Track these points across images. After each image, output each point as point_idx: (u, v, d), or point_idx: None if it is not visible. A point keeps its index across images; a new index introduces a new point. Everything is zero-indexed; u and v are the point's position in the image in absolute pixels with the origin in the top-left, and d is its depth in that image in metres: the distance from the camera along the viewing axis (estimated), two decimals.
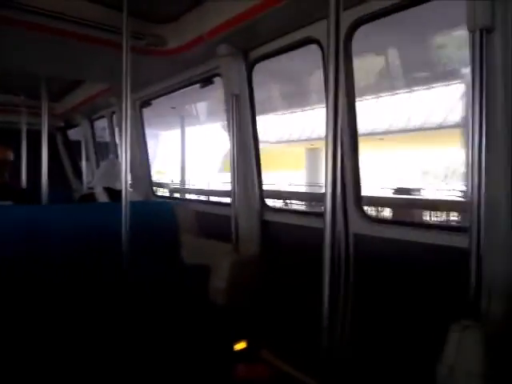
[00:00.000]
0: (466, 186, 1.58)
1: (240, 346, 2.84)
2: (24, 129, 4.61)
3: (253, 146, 2.87)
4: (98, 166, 5.35)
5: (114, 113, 4.73)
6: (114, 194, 3.47)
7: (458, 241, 1.79)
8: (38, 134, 3.89)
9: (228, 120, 2.82)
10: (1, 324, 2.03)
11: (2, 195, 3.04)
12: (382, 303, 2.23)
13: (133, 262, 2.82)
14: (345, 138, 2.28)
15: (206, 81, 3.20)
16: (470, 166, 1.52)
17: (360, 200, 2.34)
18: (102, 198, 3.48)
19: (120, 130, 4.38)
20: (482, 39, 1.47)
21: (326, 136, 1.17)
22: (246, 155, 2.86)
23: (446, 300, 1.84)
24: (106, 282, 2.58)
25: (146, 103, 4.19)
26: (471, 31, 1.49)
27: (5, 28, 2.36)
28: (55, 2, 2.37)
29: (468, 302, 1.55)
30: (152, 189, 4.45)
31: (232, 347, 2.80)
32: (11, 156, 3.23)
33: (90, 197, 3.54)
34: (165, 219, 3.49)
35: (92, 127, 5.54)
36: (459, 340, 1.50)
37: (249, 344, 2.88)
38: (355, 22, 2.11)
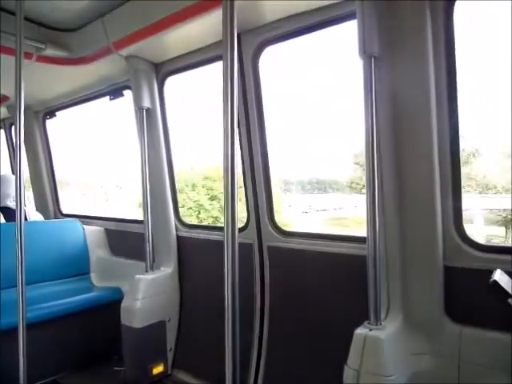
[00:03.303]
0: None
1: (157, 369, 2.72)
2: None
3: (166, 161, 2.80)
4: None
5: (12, 123, 4.31)
6: (11, 214, 3.14)
7: (361, 250, 1.92)
8: None
9: (138, 135, 2.72)
10: None
11: None
12: (296, 311, 2.29)
13: (36, 287, 2.57)
14: (255, 156, 2.34)
15: (116, 93, 3.08)
16: (366, 174, 1.64)
17: (273, 214, 2.40)
18: None
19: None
20: (370, 65, 1.62)
21: (224, 154, 1.17)
22: (159, 170, 2.78)
23: (354, 305, 1.96)
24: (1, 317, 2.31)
25: (51, 114, 3.88)
26: (361, 58, 1.64)
27: None
28: None
29: (369, 306, 1.66)
30: (59, 206, 4.10)
31: (149, 371, 2.67)
32: None
33: None
34: (74, 239, 3.25)
35: None
36: (363, 343, 1.60)
37: (165, 366, 2.78)
38: (261, 43, 2.19)
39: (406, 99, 1.65)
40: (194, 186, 7.78)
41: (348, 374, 1.61)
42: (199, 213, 7.49)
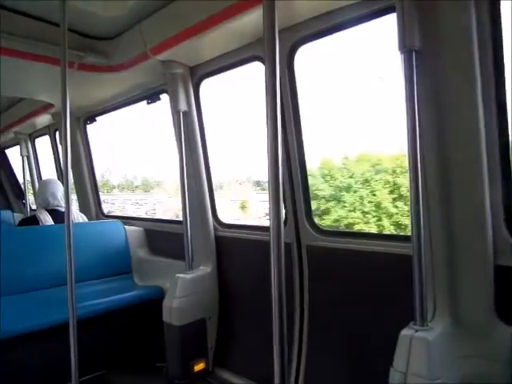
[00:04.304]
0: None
1: (199, 366, 2.78)
2: None
3: (203, 162, 2.85)
4: None
5: (57, 130, 4.52)
6: (58, 216, 3.30)
7: (404, 248, 1.87)
8: None
9: (176, 137, 2.78)
10: None
11: None
12: (336, 311, 2.27)
13: (82, 286, 2.70)
14: (292, 155, 2.33)
15: (153, 97, 3.16)
16: (409, 171, 1.60)
17: (310, 213, 2.39)
18: (46, 220, 3.29)
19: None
20: (411, 59, 1.57)
21: (267, 150, 1.18)
22: (196, 172, 2.83)
23: (396, 306, 1.91)
24: (53, 313, 2.44)
25: (92, 119, 4.05)
26: (401, 52, 1.59)
27: None
28: None
29: (415, 307, 1.62)
30: (101, 208, 4.27)
31: (191, 367, 2.73)
32: None
33: (33, 220, 3.33)
34: (116, 240, 3.38)
35: (34, 145, 5.27)
36: (409, 345, 1.56)
37: (206, 363, 2.83)
38: (296, 41, 2.17)
39: (450, 94, 1.59)
40: (366, 181, 5.59)
41: (394, 376, 1.58)
42: (379, 219, 5.32)
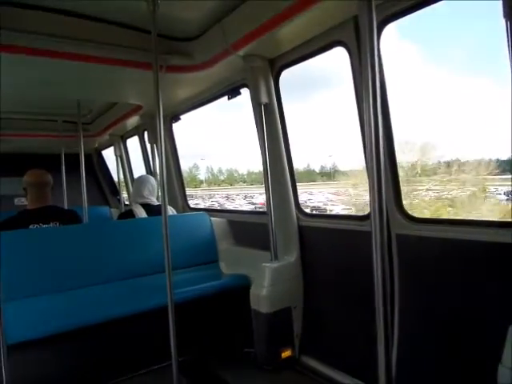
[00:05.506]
0: None
1: (286, 353, 2.83)
2: (63, 152, 4.84)
3: (284, 152, 2.87)
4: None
5: (145, 130, 4.87)
6: (151, 209, 3.57)
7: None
8: (76, 156, 4.07)
9: (258, 129, 2.84)
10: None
11: (48, 217, 3.18)
12: (430, 304, 2.15)
13: (174, 273, 2.88)
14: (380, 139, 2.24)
15: (234, 92, 3.25)
16: None
17: (401, 200, 2.28)
18: (141, 213, 3.57)
19: (152, 147, 4.50)
20: None
21: (369, 137, 1.16)
22: (278, 162, 2.86)
23: (502, 299, 1.76)
24: (151, 298, 2.65)
25: (176, 118, 4.29)
26: (506, 19, 1.44)
27: (44, 59, 2.50)
28: (88, 31, 2.50)
29: None
30: (186, 201, 4.53)
31: (278, 354, 2.79)
32: (50, 179, 3.35)
33: (129, 213, 3.64)
34: (203, 231, 3.56)
35: (125, 145, 5.74)
36: None
37: (293, 351, 2.87)
38: (383, 20, 2.07)
39: None
40: None
41: (504, 374, 1.45)
42: None
